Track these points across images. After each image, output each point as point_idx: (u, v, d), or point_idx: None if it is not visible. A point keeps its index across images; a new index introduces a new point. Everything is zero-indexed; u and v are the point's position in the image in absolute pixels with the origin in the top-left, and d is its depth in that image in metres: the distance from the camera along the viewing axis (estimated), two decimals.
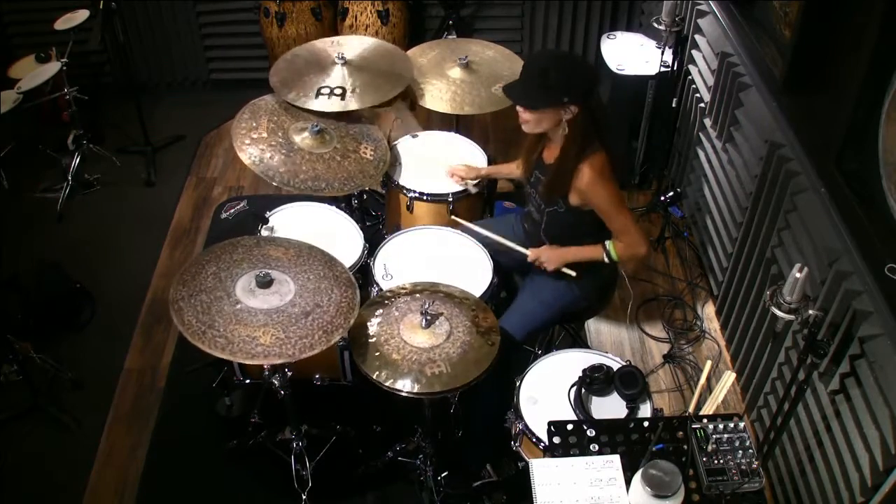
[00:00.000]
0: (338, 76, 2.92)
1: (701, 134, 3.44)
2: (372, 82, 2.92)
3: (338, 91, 2.86)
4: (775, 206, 2.64)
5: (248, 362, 2.03)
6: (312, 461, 2.61)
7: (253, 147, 2.71)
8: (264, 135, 2.75)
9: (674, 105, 3.57)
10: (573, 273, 2.49)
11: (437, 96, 3.05)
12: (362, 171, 2.77)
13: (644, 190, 3.97)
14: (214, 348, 1.99)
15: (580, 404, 2.24)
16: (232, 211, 3.90)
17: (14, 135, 4.02)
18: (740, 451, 1.82)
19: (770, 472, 2.62)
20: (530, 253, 2.55)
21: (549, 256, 2.51)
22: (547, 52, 2.50)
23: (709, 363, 2.30)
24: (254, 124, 2.78)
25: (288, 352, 2.02)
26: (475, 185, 2.90)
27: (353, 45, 3.09)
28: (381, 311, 2.33)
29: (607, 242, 2.42)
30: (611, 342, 3.26)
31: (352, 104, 2.85)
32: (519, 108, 2.35)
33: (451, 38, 4.23)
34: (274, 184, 2.64)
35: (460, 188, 2.90)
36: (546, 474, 1.81)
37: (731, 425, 1.87)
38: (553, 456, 1.88)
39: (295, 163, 2.69)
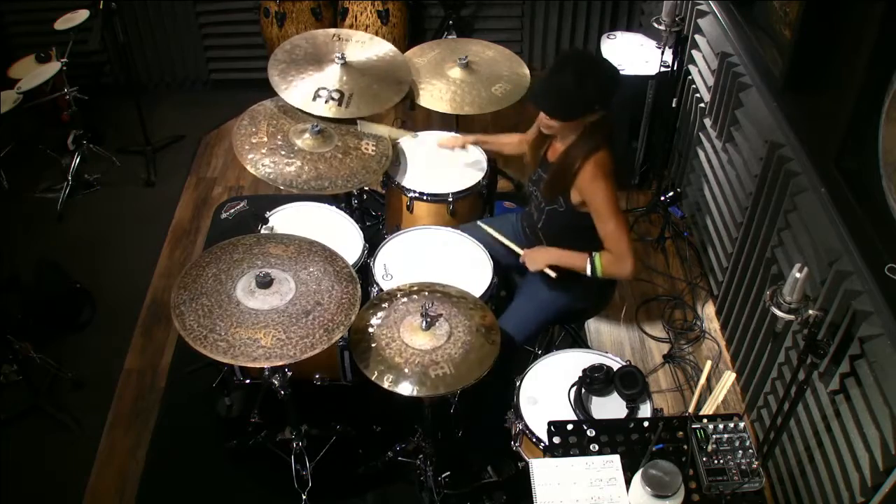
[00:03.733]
0: (336, 77, 2.92)
1: (701, 134, 3.44)
2: (370, 88, 2.92)
3: (335, 95, 2.86)
4: (775, 206, 2.64)
5: (249, 365, 2.03)
6: (312, 461, 2.61)
7: (254, 152, 2.70)
8: (264, 139, 2.75)
9: (674, 105, 3.57)
10: (552, 273, 2.46)
11: (437, 96, 3.05)
12: (365, 168, 2.78)
13: (644, 190, 3.97)
14: (216, 353, 2.00)
15: (580, 404, 2.24)
16: (232, 211, 3.91)
17: (14, 135, 4.01)
18: (740, 451, 1.82)
19: (770, 472, 2.62)
20: (522, 252, 2.54)
21: (534, 257, 2.50)
22: (575, 59, 2.29)
23: (709, 363, 2.30)
24: (253, 129, 2.78)
25: (289, 353, 2.02)
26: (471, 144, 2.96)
27: (355, 44, 3.08)
28: (380, 314, 2.33)
29: (594, 254, 2.35)
30: (611, 342, 3.26)
31: (350, 111, 2.84)
32: (544, 116, 2.32)
33: (451, 38, 4.23)
34: (279, 186, 2.64)
35: (460, 188, 2.90)
36: (546, 474, 1.81)
37: (731, 425, 1.87)
38: (553, 456, 1.88)
39: (297, 164, 2.70)
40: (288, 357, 2.01)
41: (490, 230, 2.68)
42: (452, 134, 3.01)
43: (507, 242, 2.62)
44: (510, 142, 2.83)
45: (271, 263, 2.26)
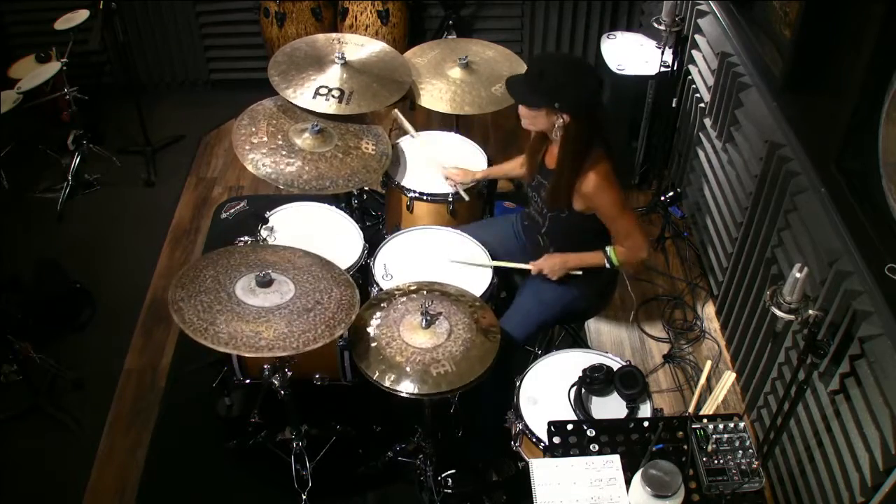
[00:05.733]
0: (336, 76, 2.92)
1: (701, 134, 3.44)
2: (370, 87, 2.92)
3: (336, 93, 2.86)
4: (775, 206, 2.64)
5: (251, 355, 2.01)
6: (312, 461, 2.61)
7: (254, 152, 2.70)
8: (264, 139, 2.75)
9: (674, 105, 3.57)
10: (579, 272, 2.50)
11: (437, 96, 3.05)
12: (365, 167, 2.78)
13: (644, 190, 3.97)
14: (218, 343, 1.98)
15: (580, 404, 2.24)
16: (232, 211, 3.90)
17: (14, 135, 4.02)
18: (740, 451, 1.82)
19: (770, 472, 2.62)
20: (532, 267, 2.55)
21: (551, 268, 2.51)
22: (554, 56, 2.41)
23: (709, 363, 2.31)
24: (253, 129, 2.78)
25: (292, 345, 2.01)
26: (466, 192, 2.88)
27: (355, 46, 3.09)
28: (379, 313, 2.33)
29: (608, 248, 2.42)
30: (611, 342, 3.26)
31: (350, 108, 2.84)
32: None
33: (451, 38, 4.23)
34: (279, 186, 2.64)
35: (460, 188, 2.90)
36: (546, 474, 1.81)
37: (731, 425, 1.87)
38: (553, 456, 1.88)
39: (297, 164, 2.69)
40: (290, 349, 2.00)
41: (493, 262, 2.66)
42: (460, 168, 2.92)
43: (513, 266, 2.62)
44: (515, 165, 2.82)
45: (269, 268, 2.24)
